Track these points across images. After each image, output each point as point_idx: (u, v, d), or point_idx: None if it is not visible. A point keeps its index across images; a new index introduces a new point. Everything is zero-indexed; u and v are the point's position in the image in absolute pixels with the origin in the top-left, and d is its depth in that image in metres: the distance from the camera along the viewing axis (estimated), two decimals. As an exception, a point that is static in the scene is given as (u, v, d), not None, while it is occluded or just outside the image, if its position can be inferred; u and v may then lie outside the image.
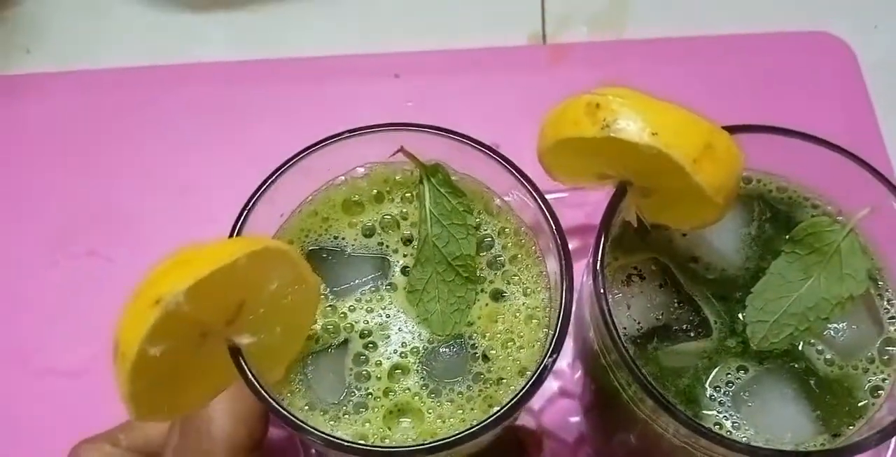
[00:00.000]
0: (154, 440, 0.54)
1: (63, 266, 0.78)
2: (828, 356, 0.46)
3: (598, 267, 0.44)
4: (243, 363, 0.42)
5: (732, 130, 0.45)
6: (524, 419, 0.72)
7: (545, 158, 0.45)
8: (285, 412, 0.41)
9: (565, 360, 0.71)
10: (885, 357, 0.46)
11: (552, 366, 0.42)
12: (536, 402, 0.72)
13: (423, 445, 0.41)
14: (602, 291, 0.44)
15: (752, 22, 0.90)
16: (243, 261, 0.39)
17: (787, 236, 0.48)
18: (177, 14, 0.91)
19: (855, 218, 0.46)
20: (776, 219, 0.50)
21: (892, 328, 0.47)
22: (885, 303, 0.47)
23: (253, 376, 0.42)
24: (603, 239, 0.45)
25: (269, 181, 0.46)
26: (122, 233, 0.78)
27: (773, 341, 0.45)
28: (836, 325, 0.47)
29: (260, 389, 0.41)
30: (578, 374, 0.65)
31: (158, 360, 0.37)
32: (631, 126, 0.40)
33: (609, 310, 0.43)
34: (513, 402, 0.42)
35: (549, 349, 0.42)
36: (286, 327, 0.44)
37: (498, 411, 0.42)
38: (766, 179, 0.51)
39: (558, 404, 0.71)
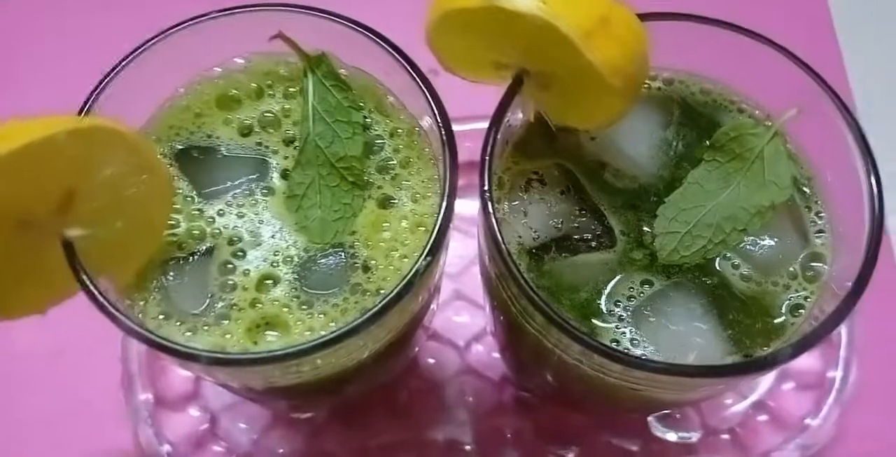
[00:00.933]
0: None
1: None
2: (744, 272, 0.42)
3: (485, 164, 0.39)
4: (75, 259, 0.37)
5: (646, 16, 0.40)
6: (448, 358, 0.68)
7: (432, 40, 0.40)
8: (120, 316, 0.36)
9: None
10: (809, 273, 0.42)
11: (425, 269, 0.38)
12: (461, 337, 0.67)
13: (269, 352, 0.36)
14: (486, 189, 0.39)
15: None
16: (64, 137, 0.34)
17: (708, 142, 0.43)
18: None
19: (781, 119, 0.41)
20: (698, 124, 0.45)
21: (818, 241, 0.42)
22: (813, 215, 0.43)
23: (86, 273, 0.37)
24: (494, 132, 0.39)
25: (124, 62, 0.41)
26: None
27: (683, 255, 0.41)
28: (755, 238, 0.42)
29: (91, 287, 0.37)
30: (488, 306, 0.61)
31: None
32: None
33: (492, 209, 0.38)
34: (381, 304, 0.37)
35: (424, 252, 0.38)
36: (132, 224, 0.39)
37: (365, 313, 0.37)
38: (690, 80, 0.46)
39: (484, 341, 0.67)
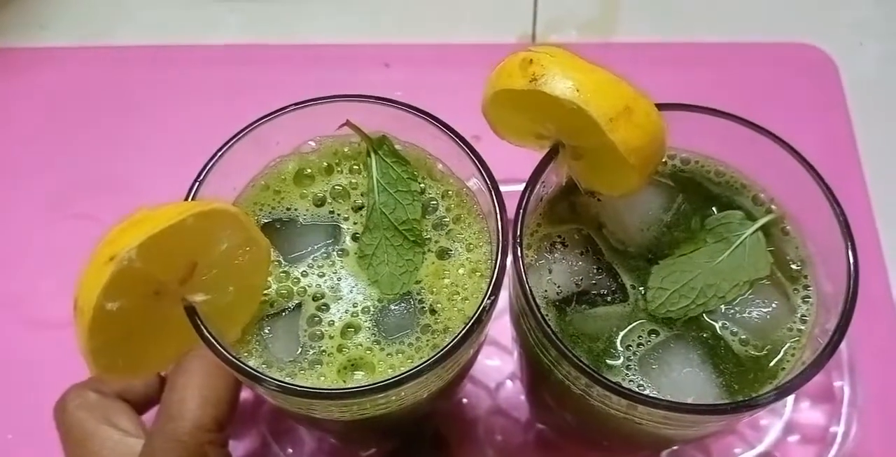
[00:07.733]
0: (133, 387, 0.61)
1: (58, 226, 0.83)
2: (734, 329, 0.49)
3: (519, 217, 0.47)
4: (199, 321, 0.44)
5: (664, 106, 0.47)
6: (480, 399, 0.74)
7: (487, 111, 0.48)
8: (240, 364, 0.43)
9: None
10: (794, 335, 0.49)
11: (490, 308, 0.45)
12: (493, 380, 0.74)
13: (370, 385, 0.43)
14: (519, 243, 0.46)
15: (741, 33, 0.94)
16: (191, 220, 0.41)
17: (702, 224, 0.51)
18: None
19: (761, 220, 0.50)
20: (705, 200, 0.52)
21: (804, 308, 0.50)
22: (802, 289, 0.50)
23: (208, 332, 0.44)
24: (529, 192, 0.47)
25: (220, 152, 0.48)
26: (115, 199, 0.79)
27: (669, 309, 0.49)
28: (744, 302, 0.49)
29: (215, 343, 0.44)
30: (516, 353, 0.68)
31: (115, 316, 0.40)
32: (556, 81, 0.43)
33: (522, 258, 0.46)
34: (455, 340, 0.44)
35: (487, 293, 0.45)
36: (239, 288, 0.46)
37: (441, 349, 0.44)
38: (706, 162, 0.54)
39: (515, 385, 0.74)
